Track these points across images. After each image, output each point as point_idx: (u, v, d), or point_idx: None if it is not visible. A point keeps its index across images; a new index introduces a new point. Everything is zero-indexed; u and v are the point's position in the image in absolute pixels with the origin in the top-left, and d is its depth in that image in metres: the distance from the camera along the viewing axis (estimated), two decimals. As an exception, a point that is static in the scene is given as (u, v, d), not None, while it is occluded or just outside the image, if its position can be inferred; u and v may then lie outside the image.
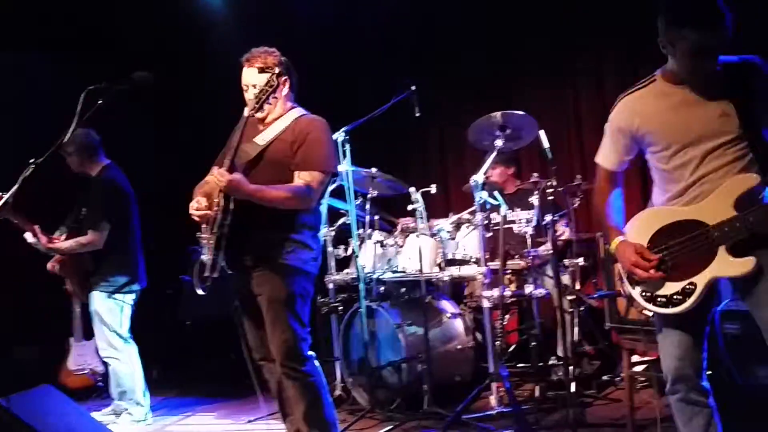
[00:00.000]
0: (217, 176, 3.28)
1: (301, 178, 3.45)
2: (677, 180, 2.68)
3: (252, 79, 3.54)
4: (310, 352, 3.54)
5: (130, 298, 4.91)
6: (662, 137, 2.68)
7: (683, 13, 2.48)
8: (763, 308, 2.56)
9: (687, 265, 2.61)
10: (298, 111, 3.64)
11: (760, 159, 2.56)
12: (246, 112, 3.46)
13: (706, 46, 2.46)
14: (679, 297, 2.62)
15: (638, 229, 2.76)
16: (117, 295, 4.85)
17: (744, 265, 2.53)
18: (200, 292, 3.41)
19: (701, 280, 2.58)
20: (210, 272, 3.32)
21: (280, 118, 3.58)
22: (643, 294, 2.71)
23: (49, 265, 4.99)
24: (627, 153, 2.83)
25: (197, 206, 3.40)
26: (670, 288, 2.64)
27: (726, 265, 2.56)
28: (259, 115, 3.50)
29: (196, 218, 3.42)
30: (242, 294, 3.57)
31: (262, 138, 3.51)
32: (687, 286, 2.61)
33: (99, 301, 4.82)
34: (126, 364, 4.85)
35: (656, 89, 2.70)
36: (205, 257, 3.38)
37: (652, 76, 2.73)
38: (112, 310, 4.83)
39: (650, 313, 2.88)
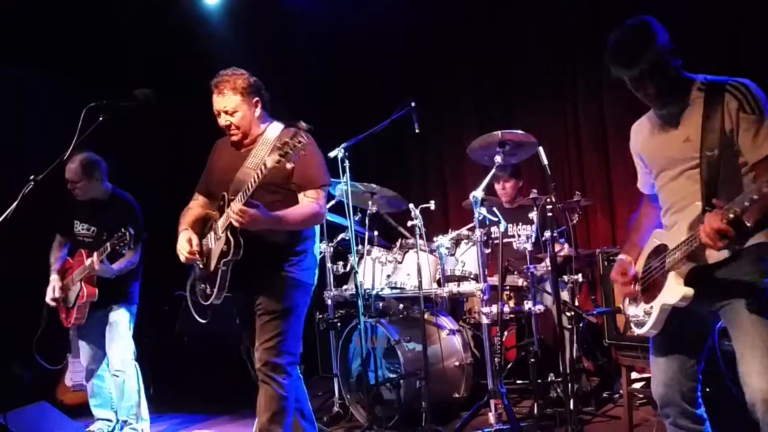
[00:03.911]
0: (238, 214, 3.19)
1: (308, 197, 3.47)
2: (661, 203, 2.74)
3: (222, 104, 3.54)
4: (295, 368, 3.52)
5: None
6: (648, 160, 2.77)
7: (608, 58, 2.57)
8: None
9: (652, 289, 2.64)
10: (277, 126, 3.62)
11: (707, 187, 2.49)
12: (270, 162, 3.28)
13: (632, 79, 2.56)
14: (644, 318, 2.65)
15: (645, 249, 2.78)
16: (134, 308, 4.92)
17: (677, 293, 2.48)
18: (202, 320, 3.54)
19: (656, 305, 2.58)
20: (215, 299, 3.41)
21: (260, 138, 3.57)
22: (629, 312, 2.77)
23: (50, 299, 4.83)
24: (647, 175, 2.83)
25: (190, 249, 3.46)
26: (640, 309, 2.69)
27: (670, 291, 2.52)
28: (235, 139, 3.56)
29: (186, 260, 3.50)
30: (244, 310, 3.58)
31: (252, 163, 3.49)
32: (647, 309, 2.64)
33: (122, 313, 4.84)
34: (134, 378, 4.85)
35: (651, 112, 2.78)
36: (205, 287, 3.47)
37: None
38: (131, 321, 4.89)
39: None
